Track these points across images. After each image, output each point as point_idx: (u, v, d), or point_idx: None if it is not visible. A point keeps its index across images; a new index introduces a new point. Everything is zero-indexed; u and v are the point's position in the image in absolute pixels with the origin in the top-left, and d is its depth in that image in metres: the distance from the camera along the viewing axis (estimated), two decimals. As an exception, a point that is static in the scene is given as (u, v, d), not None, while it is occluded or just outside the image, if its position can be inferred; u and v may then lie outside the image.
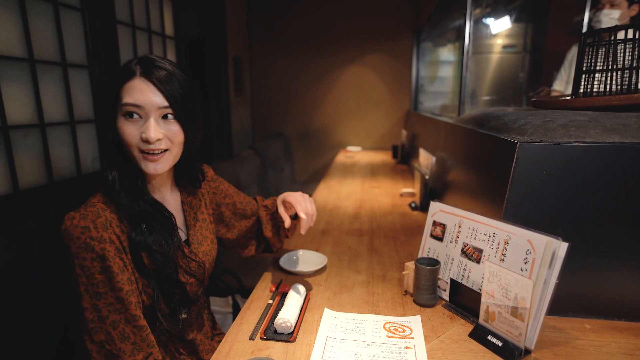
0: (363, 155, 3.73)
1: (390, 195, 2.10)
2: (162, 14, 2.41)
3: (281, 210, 1.02)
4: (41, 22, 1.52)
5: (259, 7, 4.29)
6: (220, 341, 1.07)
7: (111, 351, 0.72)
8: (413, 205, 1.81)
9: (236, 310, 1.49)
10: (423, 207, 1.76)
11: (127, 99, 0.76)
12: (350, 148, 4.16)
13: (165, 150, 0.80)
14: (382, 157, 3.62)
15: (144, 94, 0.76)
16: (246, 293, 1.64)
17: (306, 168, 4.61)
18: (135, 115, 0.77)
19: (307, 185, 4.01)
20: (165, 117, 0.79)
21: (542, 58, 3.48)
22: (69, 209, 0.75)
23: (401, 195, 2.06)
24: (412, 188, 2.13)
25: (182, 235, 0.91)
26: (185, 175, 0.95)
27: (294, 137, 4.52)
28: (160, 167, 0.80)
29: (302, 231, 1.00)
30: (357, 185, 2.35)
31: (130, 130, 0.77)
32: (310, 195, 2.13)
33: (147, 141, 0.76)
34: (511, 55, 3.64)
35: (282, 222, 1.10)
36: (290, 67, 4.39)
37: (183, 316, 0.85)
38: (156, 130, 0.76)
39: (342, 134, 4.52)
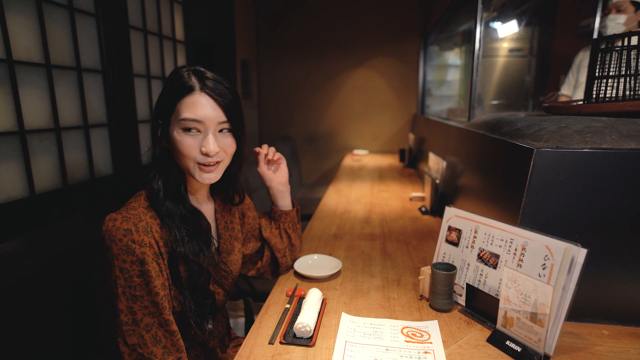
0: (370, 159, 3.74)
1: (399, 199, 2.10)
2: (173, 19, 2.44)
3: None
4: (57, 27, 1.55)
5: (266, 11, 4.32)
6: (236, 346, 1.09)
7: (143, 354, 0.73)
8: (423, 209, 1.82)
9: (249, 314, 1.51)
10: (434, 212, 1.76)
11: (188, 114, 0.78)
12: (357, 151, 4.17)
13: (219, 162, 0.84)
14: (389, 160, 3.63)
15: (205, 109, 0.79)
16: (257, 297, 1.65)
17: (313, 171, 4.62)
18: (193, 130, 0.79)
19: (315, 188, 4.02)
20: (221, 130, 0.82)
21: (549, 62, 3.48)
22: (87, 212, 0.76)
23: (411, 199, 2.06)
24: (421, 192, 2.13)
25: (214, 244, 0.92)
26: (225, 185, 0.97)
27: (301, 140, 4.53)
28: (213, 176, 0.84)
29: (264, 150, 1.12)
30: (366, 189, 2.36)
31: (189, 144, 0.79)
32: (320, 199, 2.14)
33: (207, 154, 0.80)
34: (517, 59, 3.63)
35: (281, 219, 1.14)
36: (297, 71, 4.41)
37: (209, 327, 0.86)
38: (215, 144, 0.80)
39: (348, 138, 4.53)
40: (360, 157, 3.89)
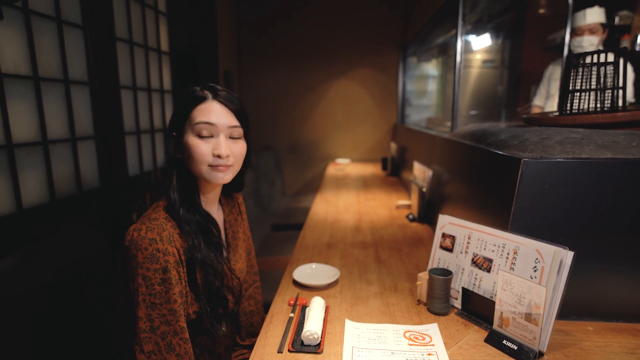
0: (353, 168, 3.80)
1: (386, 207, 2.16)
2: (158, 30, 2.44)
3: None
4: (45, 39, 1.53)
5: (248, 22, 4.35)
6: (238, 353, 1.10)
7: None
8: (411, 217, 1.88)
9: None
10: (421, 219, 1.83)
11: (201, 118, 0.85)
12: (339, 160, 4.23)
13: (230, 166, 0.89)
14: (372, 169, 3.70)
15: (217, 114, 0.86)
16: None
17: (296, 181, 4.65)
18: (206, 134, 0.85)
19: (298, 197, 4.04)
20: (231, 136, 0.88)
21: (519, 73, 3.66)
22: (73, 228, 0.77)
23: (397, 207, 2.12)
24: (406, 200, 2.20)
25: (225, 250, 0.96)
26: (235, 190, 1.06)
27: (283, 150, 4.56)
28: (227, 177, 0.89)
29: None
30: (352, 198, 2.40)
31: (203, 148, 0.85)
32: (304, 208, 2.17)
33: (219, 156, 0.86)
34: (490, 70, 3.81)
35: None
36: (278, 81, 4.45)
37: (223, 329, 0.90)
38: (226, 147, 0.86)
39: (330, 147, 4.59)
40: (343, 166, 3.95)
